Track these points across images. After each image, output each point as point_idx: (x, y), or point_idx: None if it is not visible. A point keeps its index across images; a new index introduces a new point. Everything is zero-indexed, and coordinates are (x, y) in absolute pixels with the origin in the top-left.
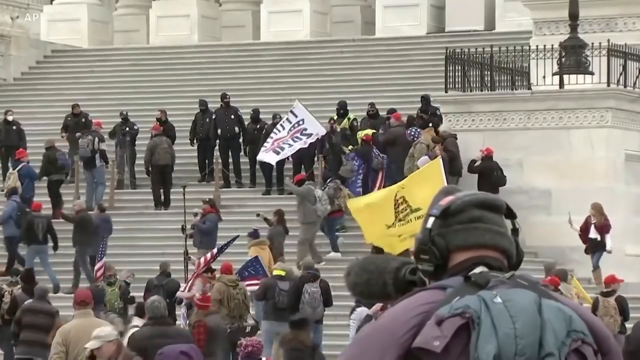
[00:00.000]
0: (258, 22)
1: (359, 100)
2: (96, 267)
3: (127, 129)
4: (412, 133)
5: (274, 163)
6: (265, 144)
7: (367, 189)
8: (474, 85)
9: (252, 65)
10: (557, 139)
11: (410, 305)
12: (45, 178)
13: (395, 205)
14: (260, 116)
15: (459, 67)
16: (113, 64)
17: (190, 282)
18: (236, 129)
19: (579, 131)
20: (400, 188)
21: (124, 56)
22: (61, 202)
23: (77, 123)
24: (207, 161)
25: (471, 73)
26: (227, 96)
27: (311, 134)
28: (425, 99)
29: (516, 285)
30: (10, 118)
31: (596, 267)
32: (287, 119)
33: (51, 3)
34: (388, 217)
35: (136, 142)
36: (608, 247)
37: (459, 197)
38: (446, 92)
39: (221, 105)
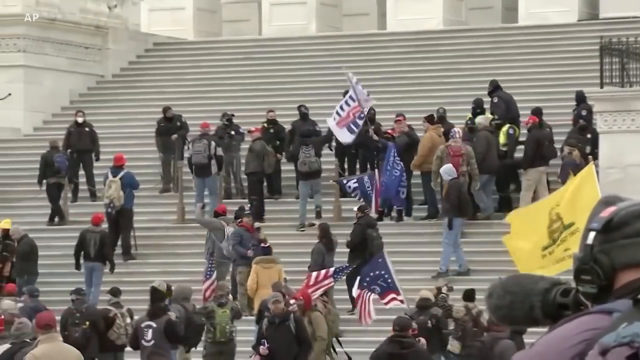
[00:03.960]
0: (384, 9)
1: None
2: (205, 286)
3: (233, 132)
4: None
5: (349, 140)
6: (340, 111)
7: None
8: (634, 79)
9: (376, 58)
10: None
11: (570, 331)
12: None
13: (549, 224)
14: (379, 117)
15: (616, 59)
16: (220, 58)
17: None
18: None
19: None
20: (555, 205)
21: (232, 49)
22: (61, 212)
23: (169, 129)
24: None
25: (630, 66)
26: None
27: (354, 101)
28: (579, 95)
29: None
30: (80, 120)
31: None
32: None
33: None
34: (542, 238)
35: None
36: None
37: (623, 208)
38: (601, 87)
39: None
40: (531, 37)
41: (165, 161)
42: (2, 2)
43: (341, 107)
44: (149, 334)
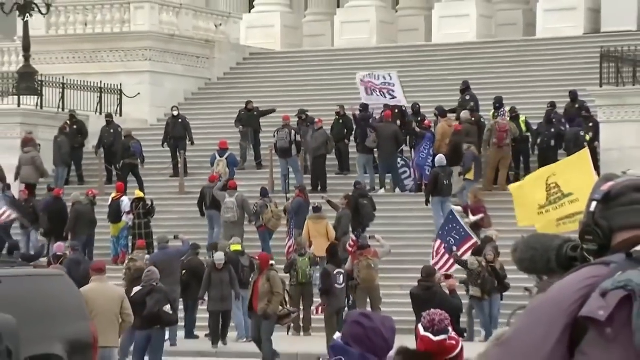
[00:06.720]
0: (430, 25)
1: (521, 95)
2: (288, 244)
3: (308, 124)
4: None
5: (363, 99)
6: (363, 77)
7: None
8: (627, 80)
9: (424, 64)
10: None
11: (576, 278)
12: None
13: (547, 188)
14: (423, 110)
15: (613, 64)
16: (302, 65)
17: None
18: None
19: None
20: (552, 174)
21: (312, 58)
22: (141, 182)
23: (250, 117)
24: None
25: (624, 69)
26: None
27: (395, 97)
28: (572, 94)
29: None
30: (175, 113)
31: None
32: (383, 76)
33: (249, 12)
34: (540, 198)
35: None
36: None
37: (619, 183)
38: (601, 86)
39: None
40: (547, 47)
41: (242, 146)
42: (133, 22)
43: (377, 77)
44: (341, 279)
